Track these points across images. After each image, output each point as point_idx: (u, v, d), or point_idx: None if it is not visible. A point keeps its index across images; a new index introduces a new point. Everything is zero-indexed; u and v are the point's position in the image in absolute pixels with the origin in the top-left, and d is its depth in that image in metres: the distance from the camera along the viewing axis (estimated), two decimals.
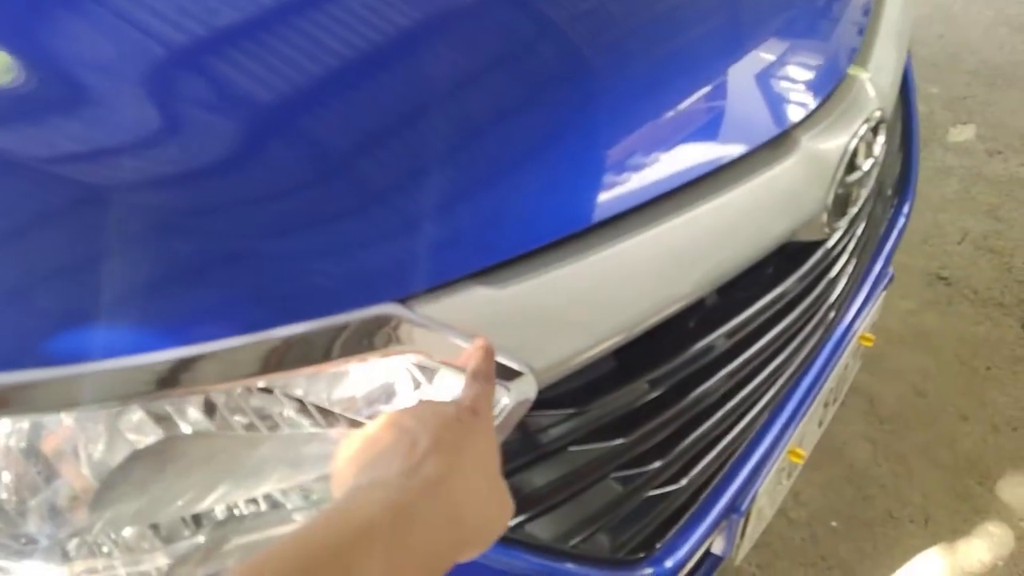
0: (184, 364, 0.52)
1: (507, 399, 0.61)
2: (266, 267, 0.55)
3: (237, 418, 0.58)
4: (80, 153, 0.60)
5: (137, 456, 0.56)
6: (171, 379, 0.52)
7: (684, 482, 0.81)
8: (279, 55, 0.65)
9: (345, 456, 0.47)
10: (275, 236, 0.56)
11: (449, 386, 0.61)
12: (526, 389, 0.61)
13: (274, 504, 0.62)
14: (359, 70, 0.66)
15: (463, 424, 0.47)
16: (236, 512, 0.61)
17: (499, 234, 0.61)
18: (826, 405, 1.07)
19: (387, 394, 0.62)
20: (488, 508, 0.46)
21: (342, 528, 0.38)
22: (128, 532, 0.58)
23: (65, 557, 0.56)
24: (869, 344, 1.09)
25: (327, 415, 0.61)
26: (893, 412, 1.62)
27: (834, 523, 1.44)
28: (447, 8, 0.73)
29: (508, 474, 0.61)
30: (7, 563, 0.55)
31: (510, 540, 0.69)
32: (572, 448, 0.74)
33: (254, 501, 0.61)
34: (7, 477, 0.53)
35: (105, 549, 0.58)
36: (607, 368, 0.76)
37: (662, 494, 0.80)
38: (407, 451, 0.44)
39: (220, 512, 0.61)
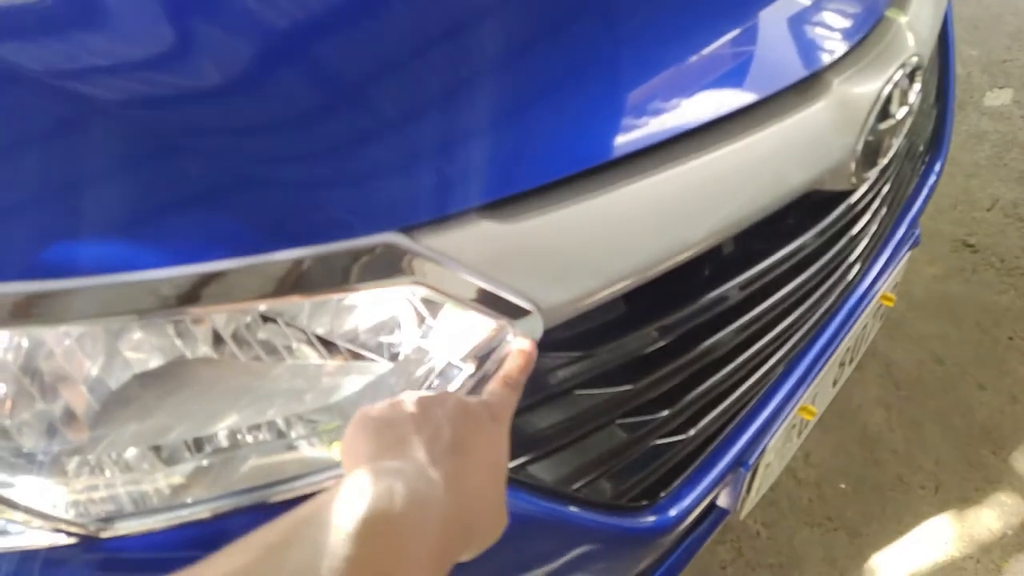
0: (187, 281, 0.51)
1: (511, 337, 0.59)
2: (273, 192, 0.54)
3: (242, 349, 0.57)
4: (91, 67, 0.59)
5: (140, 379, 0.56)
6: (172, 298, 0.51)
7: (691, 432, 0.80)
8: None
9: (360, 431, 0.45)
10: (283, 161, 0.55)
11: (452, 323, 0.60)
12: (532, 328, 0.60)
13: (279, 433, 0.61)
14: None
15: (484, 427, 0.47)
16: (239, 438, 0.61)
17: (509, 167, 0.58)
18: (842, 365, 1.05)
19: (390, 327, 0.61)
20: (491, 515, 0.45)
21: (358, 509, 0.36)
22: (130, 453, 0.58)
23: (64, 474, 0.56)
24: (890, 304, 1.07)
25: (330, 347, 0.60)
26: (910, 378, 1.59)
27: (843, 485, 1.43)
28: None
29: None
30: (7, 477, 0.55)
31: (513, 481, 0.67)
32: (578, 392, 0.73)
33: (258, 428, 0.61)
34: (3, 391, 0.53)
35: (106, 470, 0.57)
36: (617, 313, 0.74)
37: (668, 444, 0.79)
38: (430, 441, 0.43)
39: (224, 438, 0.60)
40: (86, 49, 0.61)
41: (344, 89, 0.59)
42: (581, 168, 0.61)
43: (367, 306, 0.60)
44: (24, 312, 0.50)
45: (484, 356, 0.60)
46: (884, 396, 1.57)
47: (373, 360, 0.61)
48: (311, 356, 0.60)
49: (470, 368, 0.60)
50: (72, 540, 0.55)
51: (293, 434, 0.61)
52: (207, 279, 0.51)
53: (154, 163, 0.54)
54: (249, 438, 0.61)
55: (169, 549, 0.57)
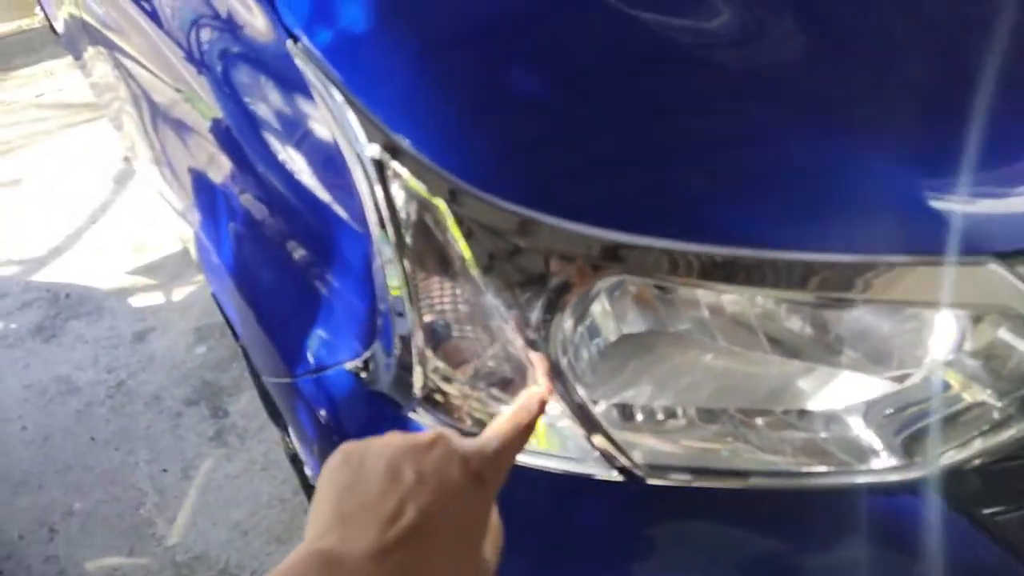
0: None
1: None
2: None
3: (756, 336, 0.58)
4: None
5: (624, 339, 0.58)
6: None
7: None
8: None
9: (329, 483, 0.42)
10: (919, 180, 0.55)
11: (997, 352, 0.57)
12: None
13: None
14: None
15: (462, 494, 0.42)
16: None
17: None
18: None
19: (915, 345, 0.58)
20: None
21: None
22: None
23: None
24: None
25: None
26: None
27: None
28: None
29: None
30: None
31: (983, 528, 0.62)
32: None
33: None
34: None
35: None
36: None
37: None
38: (388, 521, 0.39)
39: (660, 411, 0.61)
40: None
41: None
42: None
43: (898, 322, 0.58)
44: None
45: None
46: None
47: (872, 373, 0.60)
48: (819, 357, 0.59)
49: (1007, 408, 0.57)
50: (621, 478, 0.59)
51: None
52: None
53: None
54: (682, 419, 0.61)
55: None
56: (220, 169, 0.82)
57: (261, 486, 1.48)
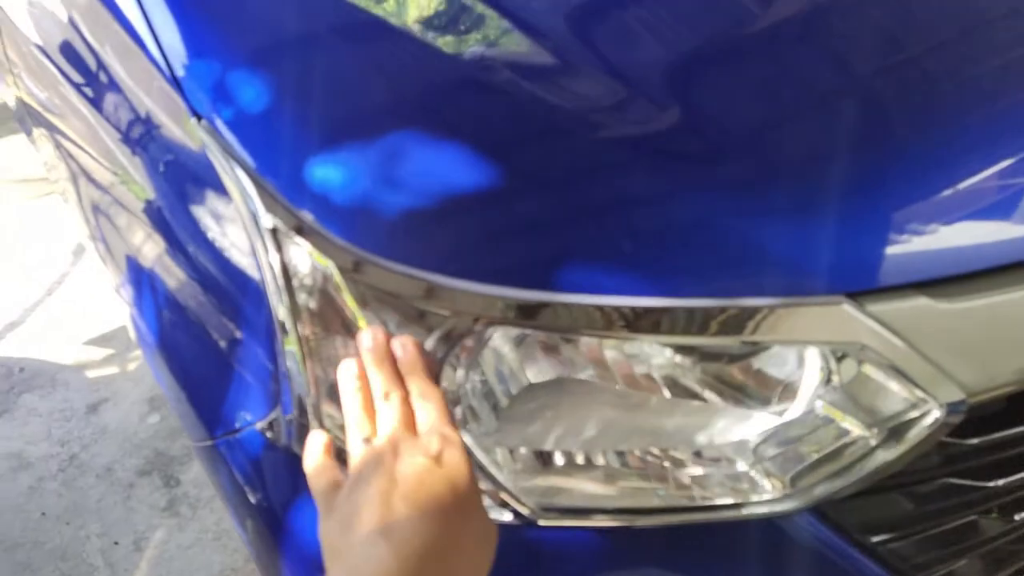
0: (641, 311, 0.55)
1: (938, 413, 0.59)
2: (741, 242, 0.58)
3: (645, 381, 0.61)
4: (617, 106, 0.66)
5: (534, 388, 0.61)
6: (624, 323, 0.56)
7: None
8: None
9: (324, 498, 0.47)
10: (757, 216, 0.59)
11: (861, 388, 0.60)
12: (954, 409, 0.59)
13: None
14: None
15: (432, 477, 0.44)
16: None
17: (952, 249, 0.59)
18: None
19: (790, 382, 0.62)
20: (470, 554, 0.44)
21: None
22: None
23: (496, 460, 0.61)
24: None
25: (723, 391, 0.62)
26: None
27: None
28: None
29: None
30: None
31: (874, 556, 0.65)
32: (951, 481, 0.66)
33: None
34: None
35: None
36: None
37: None
38: (381, 512, 0.42)
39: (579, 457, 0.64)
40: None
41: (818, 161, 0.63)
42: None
43: (772, 359, 0.61)
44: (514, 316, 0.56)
45: (895, 429, 0.60)
46: None
47: (757, 409, 0.63)
48: (707, 396, 0.62)
49: (876, 436, 0.60)
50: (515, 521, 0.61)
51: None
52: (652, 311, 0.56)
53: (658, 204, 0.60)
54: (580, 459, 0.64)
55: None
56: (149, 247, 0.85)
57: (213, 556, 1.46)
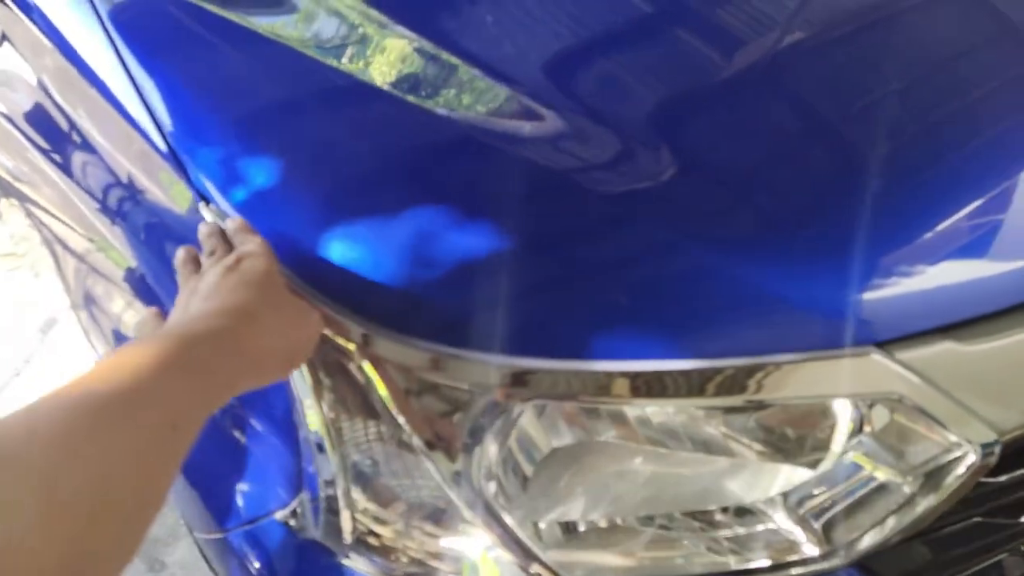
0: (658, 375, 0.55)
1: (974, 456, 0.59)
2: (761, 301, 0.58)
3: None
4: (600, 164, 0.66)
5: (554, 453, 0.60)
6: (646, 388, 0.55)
7: None
8: None
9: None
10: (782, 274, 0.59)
11: (893, 435, 0.59)
12: (990, 448, 0.59)
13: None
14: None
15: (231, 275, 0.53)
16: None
17: (972, 291, 0.60)
18: None
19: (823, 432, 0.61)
20: (282, 329, 0.51)
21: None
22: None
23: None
24: None
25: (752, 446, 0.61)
26: None
27: None
28: None
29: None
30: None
31: None
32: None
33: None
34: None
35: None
36: None
37: None
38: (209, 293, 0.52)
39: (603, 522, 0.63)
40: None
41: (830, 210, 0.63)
42: None
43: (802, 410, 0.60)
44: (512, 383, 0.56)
45: (931, 474, 0.60)
46: None
47: (788, 462, 0.62)
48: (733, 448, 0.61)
49: (912, 484, 0.60)
50: None
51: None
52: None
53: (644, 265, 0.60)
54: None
55: None
56: (131, 317, 0.82)
57: None
